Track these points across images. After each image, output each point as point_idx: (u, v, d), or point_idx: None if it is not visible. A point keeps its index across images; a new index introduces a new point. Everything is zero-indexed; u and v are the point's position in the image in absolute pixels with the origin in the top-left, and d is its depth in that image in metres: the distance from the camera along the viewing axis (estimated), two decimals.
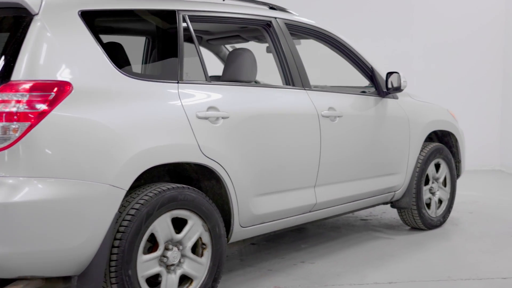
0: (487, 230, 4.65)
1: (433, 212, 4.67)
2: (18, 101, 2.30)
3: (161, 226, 2.70)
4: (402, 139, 4.28)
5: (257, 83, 4.70)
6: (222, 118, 2.96)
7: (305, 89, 3.55)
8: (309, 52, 4.62)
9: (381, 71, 4.19)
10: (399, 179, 4.28)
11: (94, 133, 2.44)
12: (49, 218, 2.32)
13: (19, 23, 2.47)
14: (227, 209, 3.03)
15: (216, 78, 3.40)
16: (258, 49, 3.91)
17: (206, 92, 2.99)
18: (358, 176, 3.92)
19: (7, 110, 2.29)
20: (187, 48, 3.01)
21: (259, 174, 3.16)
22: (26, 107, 2.30)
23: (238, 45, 4.52)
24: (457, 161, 5.00)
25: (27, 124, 2.29)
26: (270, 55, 3.61)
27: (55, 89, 2.36)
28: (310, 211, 3.58)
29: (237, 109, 3.06)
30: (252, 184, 3.11)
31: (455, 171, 4.89)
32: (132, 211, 2.58)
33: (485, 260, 3.83)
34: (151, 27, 3.36)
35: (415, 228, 4.64)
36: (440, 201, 4.78)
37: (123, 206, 2.59)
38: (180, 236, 2.78)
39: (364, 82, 4.34)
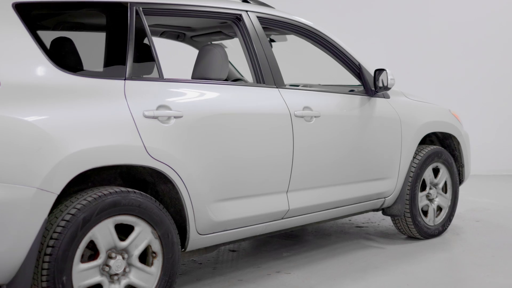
0: (488, 241, 4.27)
1: (431, 220, 4.34)
2: None
3: (102, 233, 2.51)
4: (393, 141, 3.97)
5: (243, 82, 4.50)
6: (175, 117, 2.75)
7: (277, 88, 3.31)
8: (302, 49, 4.39)
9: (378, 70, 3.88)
10: (389, 185, 3.98)
11: (20, 132, 2.27)
12: None
13: None
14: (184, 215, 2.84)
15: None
16: None
17: (158, 90, 2.78)
18: (340, 180, 3.63)
19: None
20: (139, 43, 2.82)
21: (220, 178, 2.94)
22: None
23: (227, 42, 4.33)
24: (460, 165, 4.64)
25: None
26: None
27: None
28: (282, 218, 3.33)
29: (193, 108, 2.84)
30: (211, 189, 2.90)
31: (457, 177, 4.53)
32: (67, 217, 2.41)
33: (477, 276, 3.48)
34: (99, 21, 3.18)
35: (411, 237, 4.32)
36: (439, 209, 4.45)
37: (60, 211, 2.43)
38: (125, 243, 2.60)
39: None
